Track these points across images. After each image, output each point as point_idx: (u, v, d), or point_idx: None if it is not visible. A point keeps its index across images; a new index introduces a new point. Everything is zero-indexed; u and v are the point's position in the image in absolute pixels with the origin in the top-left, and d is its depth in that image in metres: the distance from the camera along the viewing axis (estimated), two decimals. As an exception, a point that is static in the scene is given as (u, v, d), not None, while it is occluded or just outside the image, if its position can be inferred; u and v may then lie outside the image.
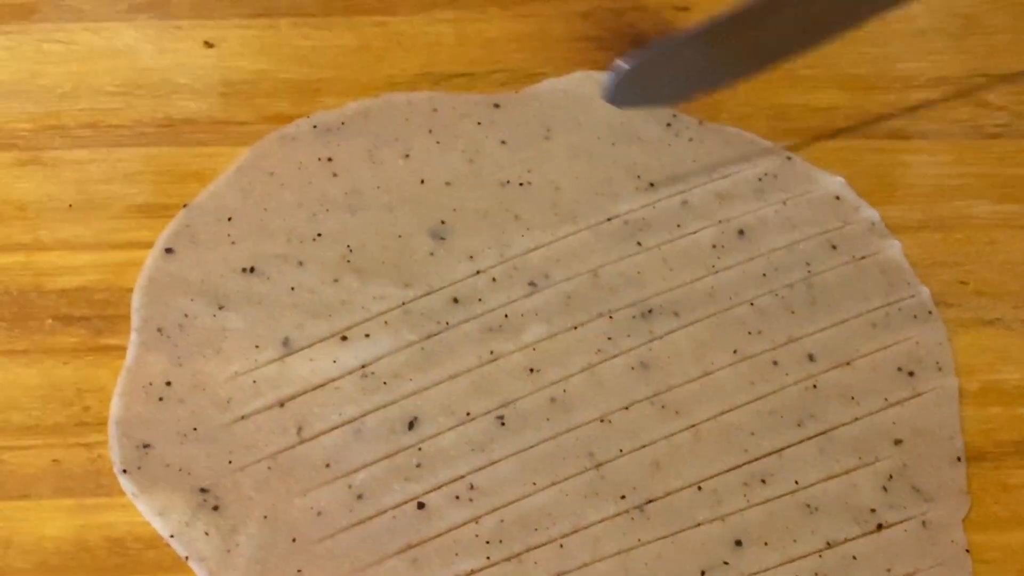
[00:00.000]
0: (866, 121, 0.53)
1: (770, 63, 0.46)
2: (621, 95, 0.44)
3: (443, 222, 0.48)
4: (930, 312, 0.47)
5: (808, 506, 0.43)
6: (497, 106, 0.52)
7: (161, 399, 0.43)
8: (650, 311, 0.46)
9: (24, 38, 0.52)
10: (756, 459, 0.43)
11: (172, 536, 0.41)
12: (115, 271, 0.46)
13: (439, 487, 0.42)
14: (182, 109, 0.51)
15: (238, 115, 0.51)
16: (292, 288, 0.46)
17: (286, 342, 0.45)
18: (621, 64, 0.44)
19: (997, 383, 0.46)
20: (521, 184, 0.49)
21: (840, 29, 0.46)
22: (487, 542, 0.41)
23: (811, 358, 0.46)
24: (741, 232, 0.49)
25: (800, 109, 0.53)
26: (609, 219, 0.49)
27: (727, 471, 0.43)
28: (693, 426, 0.44)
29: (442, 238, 0.48)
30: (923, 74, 0.55)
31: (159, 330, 0.45)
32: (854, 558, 0.42)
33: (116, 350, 0.44)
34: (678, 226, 0.49)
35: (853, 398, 0.45)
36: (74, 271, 0.46)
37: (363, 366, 0.44)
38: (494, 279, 0.47)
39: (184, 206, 0.48)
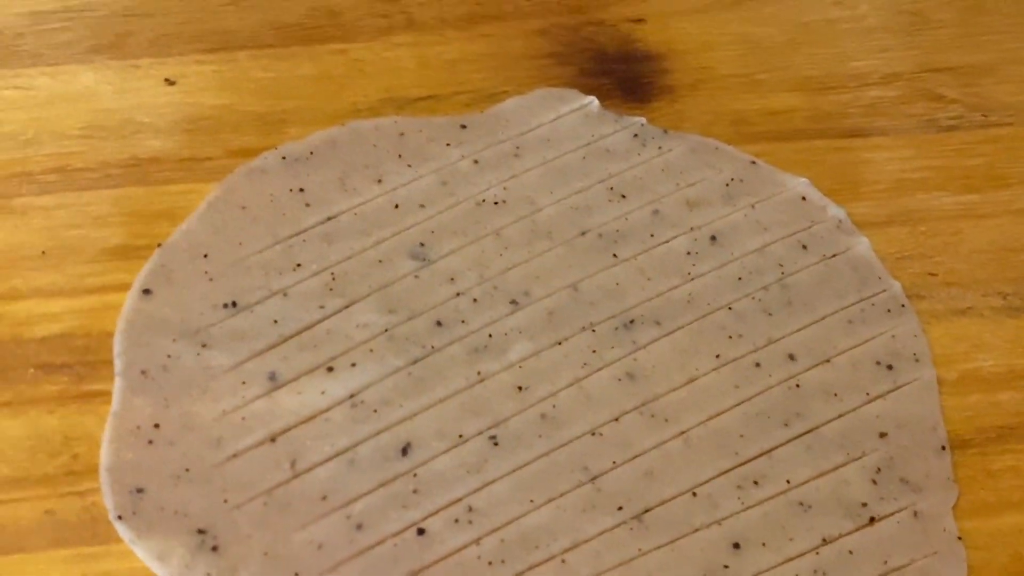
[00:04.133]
0: (824, 121, 0.54)
1: None
2: None
3: (422, 244, 0.48)
4: (903, 305, 0.48)
5: (801, 504, 0.43)
6: (464, 127, 0.52)
7: (151, 442, 0.43)
8: (632, 321, 0.47)
9: (-18, 87, 0.52)
10: (747, 461, 0.44)
11: (173, 580, 0.40)
12: (93, 316, 0.46)
13: (437, 511, 0.42)
14: (147, 148, 0.50)
15: (204, 151, 0.51)
16: (275, 321, 0.46)
17: (272, 376, 0.44)
18: None
19: (974, 371, 0.47)
20: (496, 203, 0.50)
21: None
22: (489, 563, 0.41)
23: (792, 358, 0.46)
24: (713, 238, 0.49)
25: (759, 114, 0.54)
26: (583, 233, 0.49)
27: (720, 475, 0.43)
28: (683, 433, 0.44)
29: (422, 260, 0.48)
30: (876, 71, 0.56)
31: (143, 373, 0.44)
32: (851, 553, 0.42)
33: (101, 395, 0.44)
34: (652, 235, 0.49)
35: (836, 395, 0.45)
36: (52, 318, 0.46)
37: (352, 395, 0.44)
38: (475, 300, 0.47)
39: (158, 246, 0.47)
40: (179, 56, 0.53)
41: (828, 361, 0.46)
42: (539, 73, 0.55)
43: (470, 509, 0.42)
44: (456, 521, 0.42)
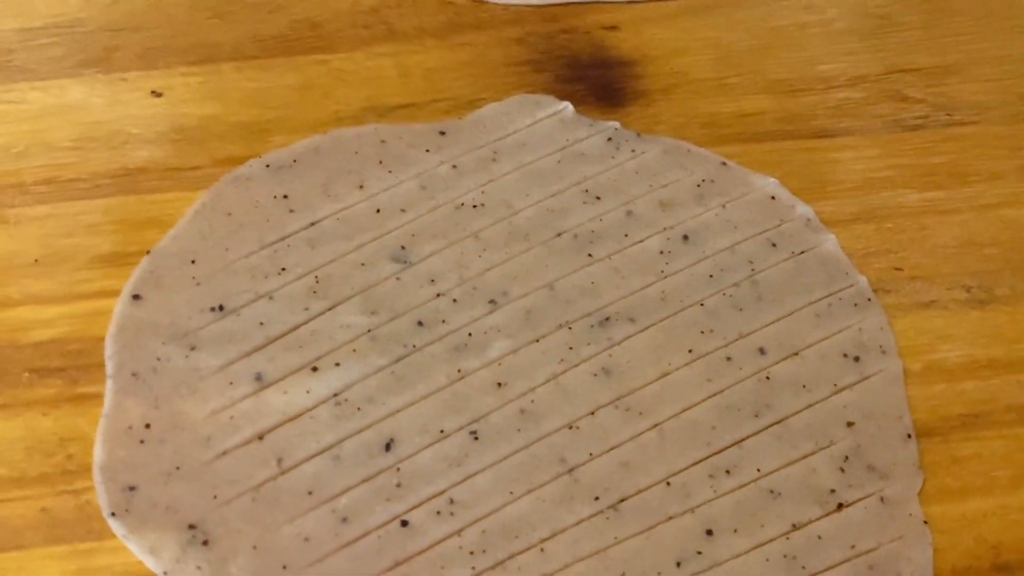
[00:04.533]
0: (793, 123, 0.56)
1: None
2: None
3: (403, 247, 0.50)
4: (869, 299, 0.50)
5: (772, 492, 0.45)
6: (443, 133, 0.53)
7: (142, 441, 0.44)
8: (607, 319, 0.48)
9: (-26, 102, 0.54)
10: (719, 451, 0.45)
11: (165, 573, 0.41)
12: (85, 321, 0.47)
13: (420, 504, 0.44)
14: (136, 158, 0.52)
15: (191, 160, 0.52)
16: (261, 323, 0.47)
17: (259, 377, 0.46)
18: None
19: (938, 362, 0.48)
20: (475, 206, 0.51)
21: None
22: (471, 553, 0.43)
23: (762, 351, 0.48)
24: (686, 237, 0.51)
25: (730, 116, 0.56)
26: (559, 234, 0.51)
27: (693, 465, 0.45)
28: (657, 425, 0.46)
29: (404, 263, 0.49)
30: (843, 74, 0.57)
31: (134, 375, 0.46)
32: (820, 538, 0.44)
33: (93, 398, 0.45)
34: (626, 235, 0.51)
35: (804, 386, 0.47)
36: (46, 324, 0.47)
37: (336, 394, 0.46)
38: (455, 300, 0.48)
39: (147, 253, 0.49)
40: (165, 69, 0.55)
41: (797, 354, 0.48)
42: (516, 80, 0.56)
43: (452, 501, 0.44)
44: (438, 513, 0.43)
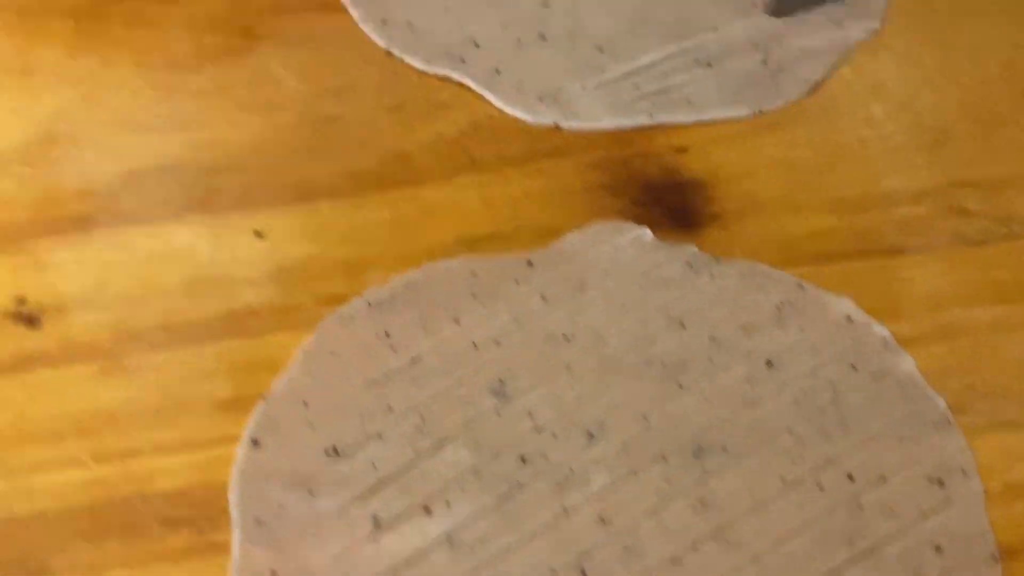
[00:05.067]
0: (861, 241, 0.57)
1: None
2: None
3: (501, 381, 0.52)
4: (948, 420, 0.52)
5: (870, 621, 0.47)
6: (530, 264, 0.56)
7: (271, 588, 0.46)
8: (700, 450, 0.50)
9: (87, 248, 0.55)
10: (817, 581, 0.47)
11: None
12: (209, 469, 0.49)
13: (538, 644, 0.46)
14: (244, 301, 0.54)
15: (295, 300, 0.54)
16: (373, 465, 0.49)
17: (375, 519, 0.48)
18: None
19: (1017, 481, 0.50)
20: (566, 337, 0.53)
21: None
22: None
23: (850, 478, 0.50)
24: (769, 363, 0.53)
25: (800, 236, 0.57)
26: (648, 362, 0.53)
27: (793, 596, 0.47)
28: (756, 557, 0.48)
29: (502, 396, 0.51)
30: (905, 189, 0.59)
31: (258, 522, 0.48)
32: (919, 665, 0.46)
33: (221, 546, 0.47)
34: (711, 361, 0.53)
35: (893, 511, 0.49)
36: (171, 473, 0.49)
37: (449, 535, 0.48)
38: (555, 434, 0.50)
39: (261, 396, 0.51)
40: (266, 208, 0.57)
41: (884, 479, 0.50)
42: (594, 204, 0.58)
43: (567, 640, 0.46)
44: (555, 652, 0.46)
